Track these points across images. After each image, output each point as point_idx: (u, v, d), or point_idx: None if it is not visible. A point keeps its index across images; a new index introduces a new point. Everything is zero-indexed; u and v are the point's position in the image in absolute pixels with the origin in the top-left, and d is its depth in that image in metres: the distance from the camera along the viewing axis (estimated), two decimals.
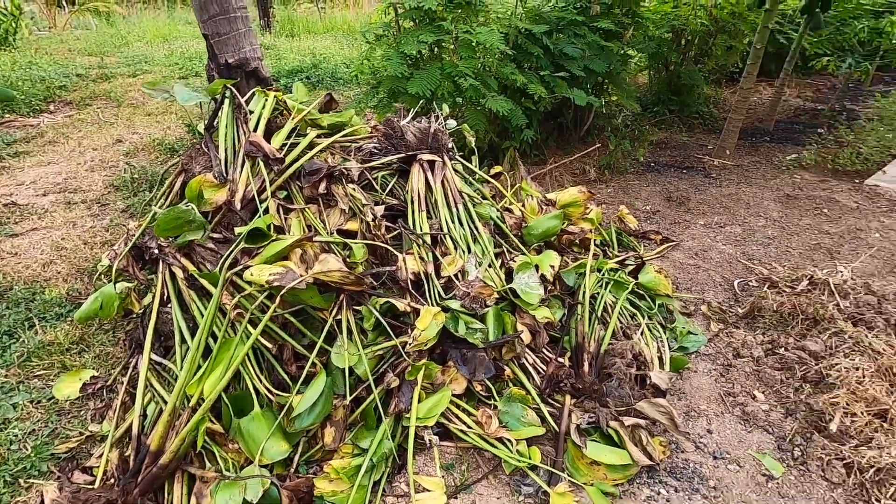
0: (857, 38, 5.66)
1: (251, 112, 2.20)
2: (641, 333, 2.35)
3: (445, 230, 2.20)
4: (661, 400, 1.95)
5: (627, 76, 5.14)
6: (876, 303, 2.42)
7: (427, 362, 1.88)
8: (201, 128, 2.58)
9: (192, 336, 1.85)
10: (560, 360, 2.13)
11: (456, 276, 2.08)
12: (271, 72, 6.36)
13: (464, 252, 2.18)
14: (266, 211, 2.00)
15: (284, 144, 2.15)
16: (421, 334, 1.82)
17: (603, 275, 2.59)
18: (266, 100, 2.23)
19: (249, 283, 1.78)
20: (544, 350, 2.16)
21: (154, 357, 1.93)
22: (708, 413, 2.10)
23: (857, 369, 2.03)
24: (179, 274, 1.92)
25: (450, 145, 2.44)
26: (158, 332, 1.98)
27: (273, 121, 2.26)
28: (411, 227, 2.17)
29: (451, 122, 2.60)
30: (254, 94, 2.35)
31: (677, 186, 4.19)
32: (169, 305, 1.95)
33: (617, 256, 2.97)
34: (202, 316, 1.86)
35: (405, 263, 2.02)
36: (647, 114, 5.68)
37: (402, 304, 1.89)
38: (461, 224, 2.26)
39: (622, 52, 4.43)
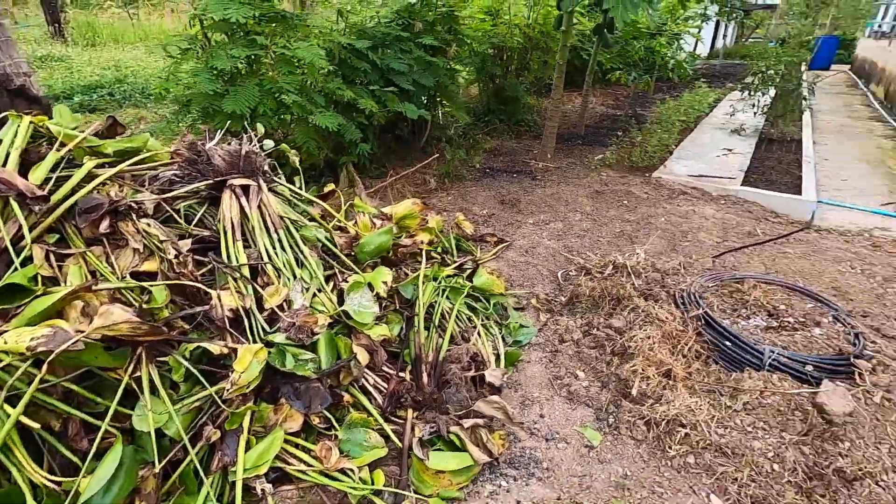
0: (638, 55, 6.80)
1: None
2: (478, 334, 2.47)
3: (266, 259, 2.06)
4: (496, 397, 2.06)
5: (458, 89, 5.45)
6: (660, 278, 2.89)
7: (252, 406, 1.73)
8: None
9: None
10: (401, 374, 2.14)
11: (281, 306, 1.95)
12: (61, 88, 5.41)
13: (289, 280, 2.06)
14: (28, 261, 1.65)
15: (50, 178, 1.81)
16: (241, 377, 1.67)
17: (440, 282, 2.67)
18: (20, 125, 1.85)
19: (7, 352, 1.46)
20: (385, 367, 2.14)
21: None
22: (540, 399, 2.29)
23: (649, 338, 2.39)
24: None
25: (266, 167, 2.30)
26: None
27: (34, 151, 1.89)
28: (226, 260, 1.99)
29: (269, 142, 2.45)
30: (6, 118, 1.94)
31: (509, 190, 4.55)
32: None
33: (456, 262, 3.10)
34: None
35: (220, 300, 1.84)
36: (480, 123, 6.09)
37: (216, 347, 1.71)
38: (284, 250, 2.14)
39: (448, 66, 4.68)
